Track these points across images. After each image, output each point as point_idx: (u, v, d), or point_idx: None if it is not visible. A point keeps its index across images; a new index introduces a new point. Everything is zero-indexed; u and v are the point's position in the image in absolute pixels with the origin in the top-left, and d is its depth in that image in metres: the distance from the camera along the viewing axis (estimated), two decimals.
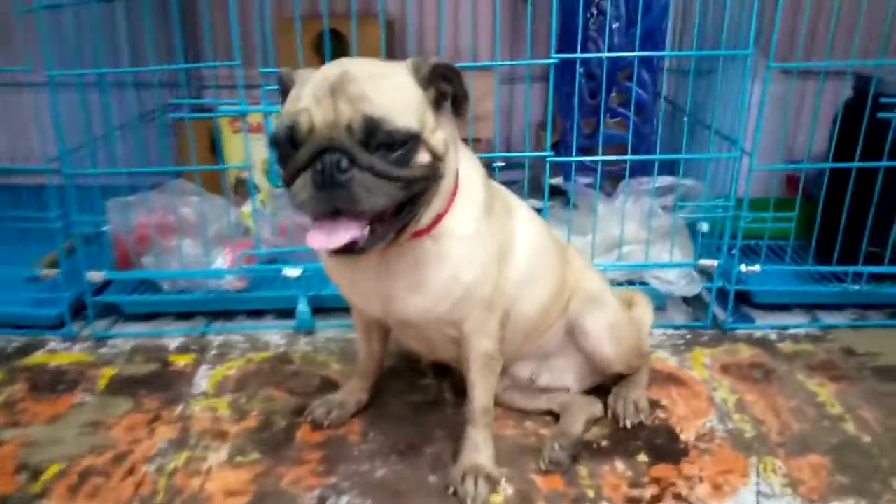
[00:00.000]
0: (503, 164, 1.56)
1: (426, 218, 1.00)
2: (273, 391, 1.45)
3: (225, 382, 1.48)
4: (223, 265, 1.62)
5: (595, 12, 1.57)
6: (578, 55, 1.42)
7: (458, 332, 1.13)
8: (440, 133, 0.96)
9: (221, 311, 1.73)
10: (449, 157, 0.98)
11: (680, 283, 1.59)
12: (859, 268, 1.59)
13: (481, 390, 1.18)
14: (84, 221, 1.57)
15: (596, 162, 1.57)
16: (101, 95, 1.54)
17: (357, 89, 0.89)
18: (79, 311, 1.67)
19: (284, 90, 0.99)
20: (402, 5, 2.20)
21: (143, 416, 1.37)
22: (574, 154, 1.53)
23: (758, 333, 1.63)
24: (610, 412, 1.33)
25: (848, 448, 1.25)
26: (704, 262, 1.57)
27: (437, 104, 0.97)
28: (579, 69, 1.51)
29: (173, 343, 1.63)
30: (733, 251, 1.58)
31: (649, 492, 1.16)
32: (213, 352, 1.59)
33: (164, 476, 1.21)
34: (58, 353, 1.59)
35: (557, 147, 1.90)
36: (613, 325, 1.29)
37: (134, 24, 1.65)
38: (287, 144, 0.91)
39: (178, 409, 1.39)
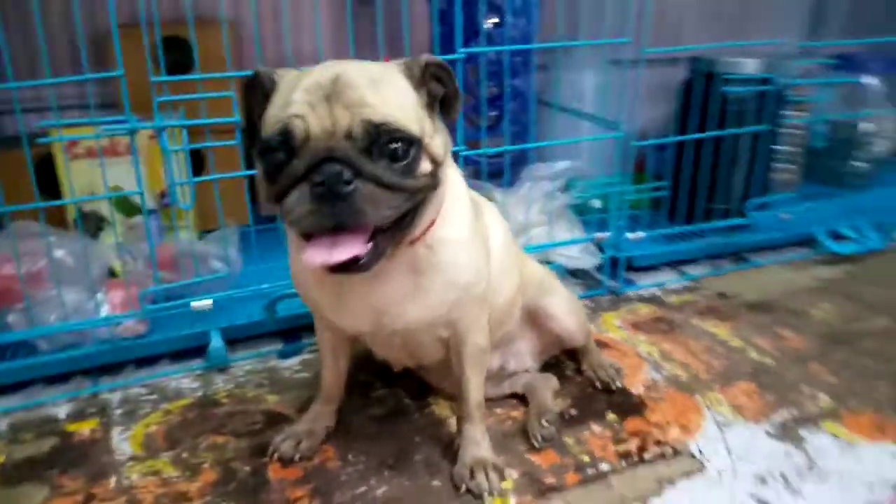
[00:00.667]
0: None
1: (423, 225, 0.97)
2: (215, 438, 1.29)
3: (152, 440, 1.28)
4: (109, 311, 1.40)
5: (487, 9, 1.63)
6: (483, 49, 1.46)
7: (452, 332, 1.12)
8: (438, 137, 0.93)
9: (104, 366, 1.49)
10: (447, 161, 0.96)
11: (584, 256, 1.72)
12: (717, 223, 1.86)
13: (475, 385, 1.17)
14: None
15: (482, 155, 1.63)
16: None
17: (355, 94, 0.83)
18: None
19: (258, 93, 0.91)
20: (247, 8, 2.06)
21: (68, 499, 1.14)
22: (485, 149, 1.57)
23: (645, 293, 1.82)
24: (598, 384, 1.39)
25: (761, 372, 1.46)
26: (599, 234, 1.72)
27: (430, 106, 0.94)
28: (484, 64, 1.55)
29: (61, 411, 1.37)
30: (620, 223, 1.75)
31: (633, 444, 1.25)
32: (118, 411, 1.37)
33: None
34: None
35: None
36: (569, 304, 1.37)
37: None
38: (280, 153, 0.83)
39: (112, 481, 1.18)
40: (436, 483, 1.17)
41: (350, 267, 0.85)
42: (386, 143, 0.84)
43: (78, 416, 1.36)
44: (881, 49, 2.06)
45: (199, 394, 1.42)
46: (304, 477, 1.18)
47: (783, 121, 1.87)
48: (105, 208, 1.70)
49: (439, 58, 0.94)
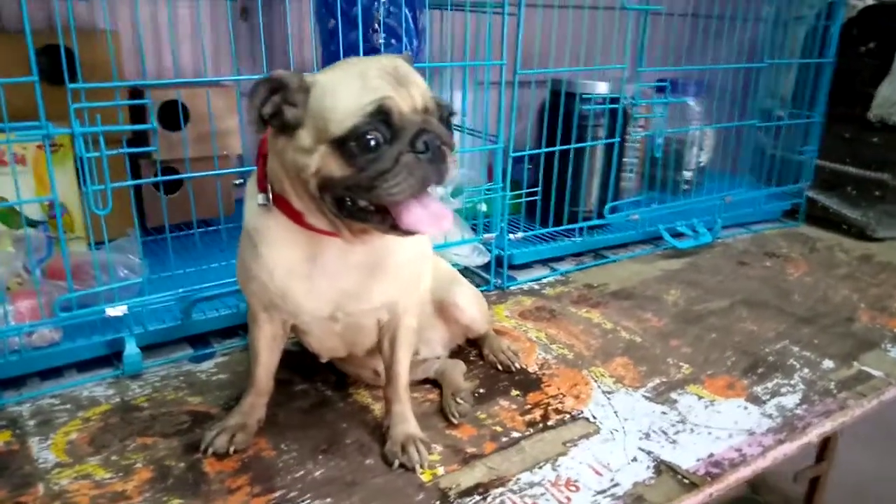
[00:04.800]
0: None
1: None
2: (143, 440, 1.30)
3: (75, 447, 1.27)
4: (16, 321, 1.36)
5: (377, 28, 1.74)
6: None
7: (392, 314, 1.23)
8: None
9: (4, 380, 1.43)
10: None
11: (473, 255, 1.89)
12: (580, 224, 2.11)
13: (405, 367, 1.29)
14: None
15: None
16: None
17: (416, 78, 1.01)
18: None
19: (277, 95, 1.00)
20: (127, 19, 2.03)
21: None
22: None
23: (525, 287, 2.02)
24: (500, 366, 1.56)
25: (632, 348, 1.70)
26: (487, 235, 1.90)
27: None
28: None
29: None
30: (502, 225, 1.94)
31: (537, 414, 1.42)
32: (31, 422, 1.33)
33: None
34: None
35: None
36: (474, 296, 1.53)
37: None
38: (379, 132, 0.95)
39: (40, 488, 1.16)
40: (369, 461, 1.27)
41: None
42: (447, 115, 1.02)
43: None
44: (691, 75, 2.45)
45: (117, 400, 1.42)
46: (242, 467, 1.24)
47: (630, 136, 2.18)
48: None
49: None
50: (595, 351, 1.68)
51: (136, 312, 1.47)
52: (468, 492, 1.20)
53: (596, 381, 1.55)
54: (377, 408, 1.41)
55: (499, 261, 1.97)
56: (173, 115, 1.75)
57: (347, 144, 0.96)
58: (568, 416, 1.42)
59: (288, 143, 1.03)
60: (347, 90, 0.99)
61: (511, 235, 1.96)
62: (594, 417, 1.42)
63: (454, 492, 1.19)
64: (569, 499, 1.19)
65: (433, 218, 1.00)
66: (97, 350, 1.48)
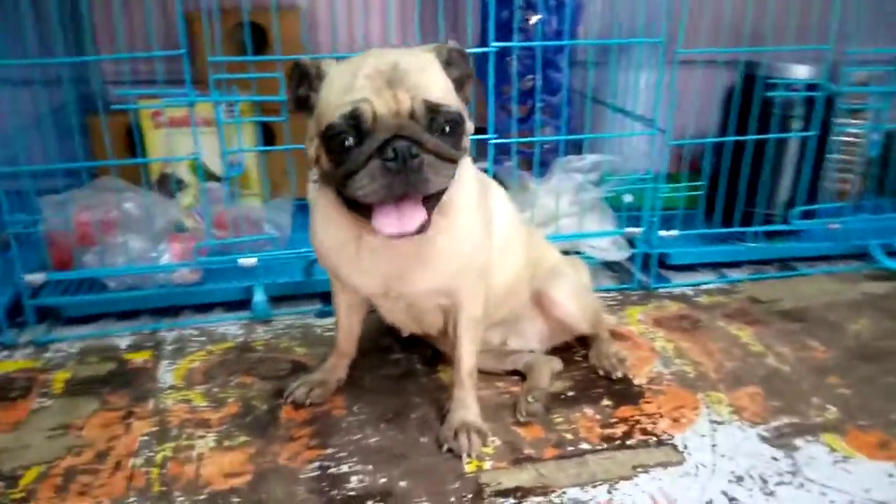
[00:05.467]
0: None
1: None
2: (245, 378, 1.45)
3: (192, 375, 1.46)
4: (170, 260, 1.59)
5: (524, 5, 1.69)
6: (515, 44, 1.54)
7: (452, 300, 1.21)
8: (464, 113, 1.04)
9: (168, 308, 1.69)
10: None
11: (611, 249, 1.76)
12: (755, 228, 1.84)
13: (469, 353, 1.26)
14: (16, 221, 1.49)
15: (529, 145, 1.70)
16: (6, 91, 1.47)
17: (413, 79, 0.96)
18: (12, 316, 1.57)
19: (305, 81, 1.03)
20: None
21: (113, 413, 1.33)
22: (516, 139, 1.64)
23: (676, 291, 1.83)
24: (601, 371, 1.45)
25: (774, 378, 1.46)
26: (630, 229, 1.75)
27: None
28: (501, 58, 1.61)
29: (123, 342, 1.58)
30: (653, 219, 1.77)
31: (620, 430, 1.29)
32: (170, 347, 1.56)
33: (154, 467, 1.19)
34: None
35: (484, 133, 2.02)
36: (575, 292, 1.43)
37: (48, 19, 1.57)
38: (350, 133, 0.95)
39: (150, 403, 1.36)
40: (423, 440, 1.27)
41: (419, 231, 0.98)
42: (442, 121, 0.96)
43: (136, 347, 1.56)
44: None
45: (241, 340, 1.59)
46: (310, 420, 1.32)
47: (838, 129, 1.81)
48: (184, 172, 1.92)
49: (457, 45, 1.06)
50: (724, 374, 1.47)
51: (267, 265, 1.63)
52: (505, 493, 1.14)
53: (708, 407, 1.36)
54: None
55: (647, 258, 1.81)
56: None
57: (326, 140, 0.97)
58: (654, 439, 1.27)
59: (308, 127, 1.06)
60: (338, 86, 0.98)
61: (663, 232, 1.77)
62: (684, 447, 1.25)
63: (491, 489, 1.15)
64: None
65: (399, 223, 0.96)
66: (234, 294, 1.67)
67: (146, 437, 1.27)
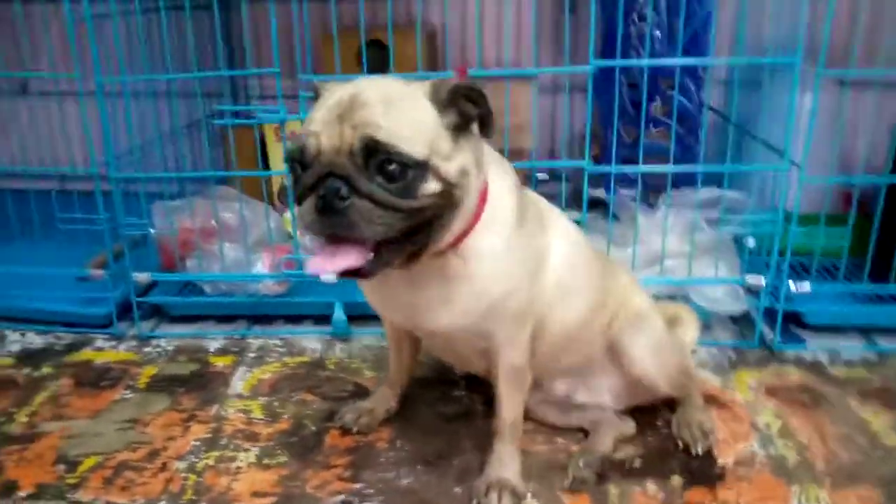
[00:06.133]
0: (546, 177, 1.54)
1: (447, 238, 0.98)
2: (306, 395, 1.46)
3: (260, 385, 1.49)
4: (262, 269, 1.65)
5: (636, 20, 1.54)
6: (617, 62, 1.39)
7: (487, 344, 1.11)
8: (458, 159, 0.93)
9: (262, 316, 1.75)
10: (468, 182, 0.95)
11: (725, 300, 1.54)
12: None
13: (509, 404, 1.16)
14: (131, 224, 1.62)
15: (637, 173, 1.54)
16: (148, 103, 1.59)
17: (364, 114, 0.88)
18: (125, 311, 1.72)
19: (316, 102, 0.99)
20: (442, 16, 2.20)
21: (178, 414, 1.40)
22: (614, 164, 1.48)
23: (808, 356, 1.55)
24: (680, 443, 1.27)
25: None
26: (751, 278, 1.51)
27: (460, 127, 0.94)
28: (618, 77, 1.48)
29: (214, 345, 1.66)
30: (782, 268, 1.52)
31: None
32: (252, 354, 1.61)
33: (193, 474, 1.23)
34: (104, 351, 1.63)
35: (599, 159, 1.87)
36: (657, 347, 1.26)
37: (179, 35, 1.70)
38: (297, 166, 0.92)
39: (213, 409, 1.41)
40: (457, 490, 1.18)
41: (353, 273, 0.92)
42: (383, 162, 0.87)
43: (223, 351, 1.63)
44: None
45: (317, 355, 1.61)
46: (352, 449, 1.29)
47: None
48: None
49: (470, 82, 0.94)
50: (836, 467, 1.21)
51: (348, 282, 1.62)
52: None
53: None
54: None
55: (775, 313, 1.55)
56: None
57: (288, 165, 0.94)
58: None
59: None
60: (309, 114, 0.94)
61: (793, 285, 1.51)
62: None
63: None
64: None
65: (325, 263, 0.89)
66: (321, 309, 1.68)
67: (197, 443, 1.31)
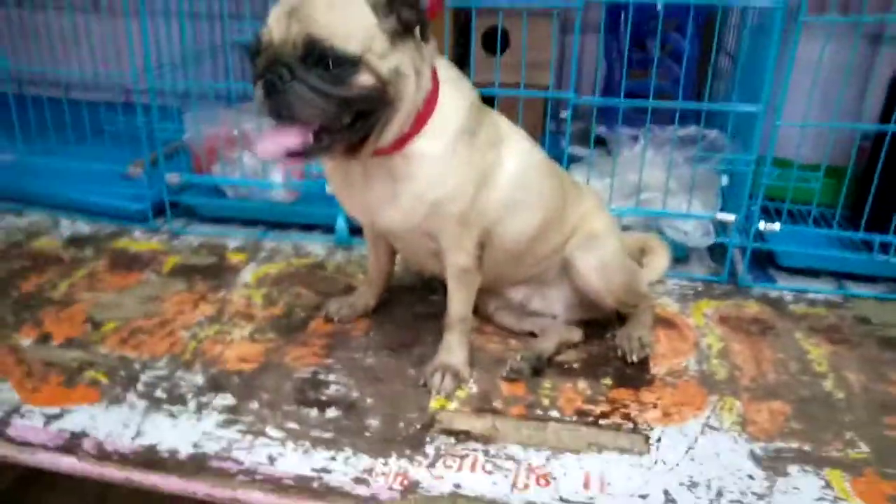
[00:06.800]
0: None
1: (388, 137, 1.11)
2: (302, 289, 1.64)
3: (265, 278, 1.69)
4: (278, 179, 1.83)
5: None
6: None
7: (437, 246, 1.25)
8: (391, 60, 1.05)
9: (277, 223, 1.95)
10: (403, 83, 1.08)
11: (695, 234, 1.62)
12: (889, 237, 1.55)
13: (457, 300, 1.30)
14: (165, 129, 1.83)
15: (635, 109, 1.61)
16: (185, 23, 1.78)
17: (307, 12, 1.01)
18: (161, 209, 1.94)
19: None
20: None
21: (191, 295, 1.61)
22: (597, 98, 1.57)
23: (773, 294, 1.63)
24: (619, 351, 1.39)
25: (816, 401, 1.27)
26: (721, 215, 1.59)
27: (400, 33, 1.06)
28: (622, 16, 1.53)
29: (233, 243, 1.86)
30: (753, 208, 1.59)
31: (600, 409, 1.25)
32: (264, 254, 1.81)
33: (194, 341, 1.43)
34: (139, 241, 1.87)
35: (604, 95, 1.94)
36: (604, 265, 1.36)
37: None
38: (253, 55, 1.06)
39: (221, 293, 1.62)
40: (410, 371, 1.35)
41: (297, 155, 1.07)
42: (320, 54, 1.01)
43: (239, 249, 1.83)
44: None
45: (319, 259, 1.79)
46: (331, 333, 1.47)
47: None
48: None
49: None
50: (759, 385, 1.31)
51: None
52: (450, 432, 1.19)
53: (713, 412, 1.24)
54: (474, 337, 1.43)
55: (743, 251, 1.63)
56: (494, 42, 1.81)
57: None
58: (630, 425, 1.21)
59: None
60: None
61: (764, 224, 1.58)
62: (657, 441, 1.17)
63: (440, 427, 1.20)
64: (526, 486, 1.07)
65: (266, 145, 1.03)
66: (325, 219, 1.86)
67: (202, 318, 1.52)
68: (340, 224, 1.79)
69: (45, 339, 1.43)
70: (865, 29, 1.53)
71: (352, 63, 1.02)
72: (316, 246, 1.86)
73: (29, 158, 2.02)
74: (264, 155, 1.07)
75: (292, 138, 1.05)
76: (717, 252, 1.76)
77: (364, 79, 1.04)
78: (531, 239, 1.33)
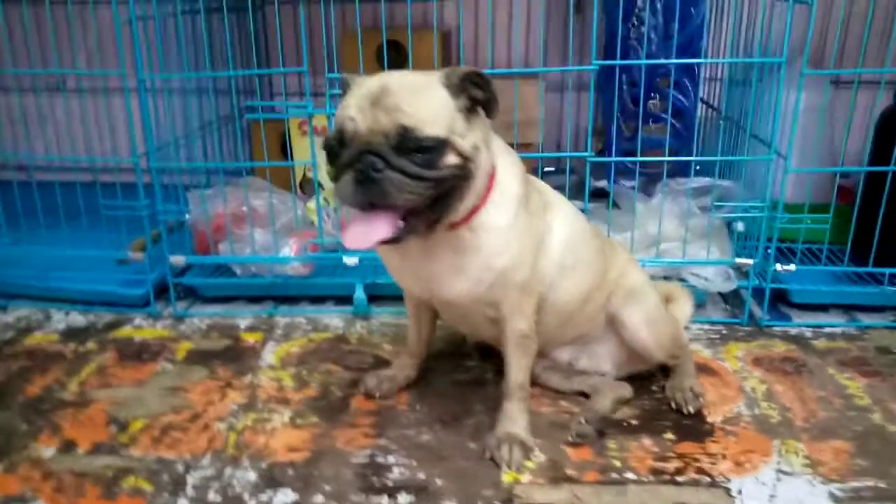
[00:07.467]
0: (552, 168, 1.66)
1: (461, 211, 1.12)
2: (331, 366, 1.59)
3: (289, 358, 1.63)
4: (289, 253, 1.78)
5: (636, 22, 1.67)
6: (617, 62, 1.52)
7: (497, 313, 1.25)
8: (470, 137, 1.08)
9: (287, 297, 1.89)
10: (479, 158, 1.10)
11: (716, 279, 1.67)
12: (890, 269, 1.64)
13: (516, 367, 1.29)
14: (169, 210, 1.76)
15: (636, 163, 1.67)
16: (186, 99, 1.73)
17: (393, 101, 1.02)
18: (161, 292, 1.85)
19: (345, 93, 1.13)
20: (457, 17, 2.34)
21: (216, 383, 1.53)
22: (614, 156, 1.62)
23: (793, 331, 1.69)
24: (673, 403, 1.40)
25: (872, 436, 1.31)
26: (740, 260, 1.65)
27: (469, 109, 1.09)
28: (618, 76, 1.60)
29: (244, 323, 1.79)
30: (769, 251, 1.65)
31: (673, 465, 1.24)
32: (279, 331, 1.75)
33: (234, 433, 1.36)
34: (142, 329, 1.77)
35: (602, 152, 2.00)
36: (651, 318, 1.39)
37: (215, 35, 1.83)
38: (336, 145, 1.05)
39: (248, 378, 1.54)
40: (471, 445, 1.31)
41: (385, 241, 1.05)
42: (412, 142, 1.02)
43: (252, 329, 1.76)
44: None
45: (340, 332, 1.74)
46: (375, 411, 1.42)
47: None
48: (321, 174, 2.12)
49: (477, 69, 1.09)
50: (813, 424, 1.34)
51: (370, 265, 1.76)
52: None
53: (781, 456, 1.26)
54: None
55: (762, 293, 1.68)
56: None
57: (325, 151, 1.08)
58: (707, 479, 1.20)
59: None
60: (343, 103, 1.08)
61: (780, 266, 1.64)
62: (738, 492, 1.17)
63: (521, 501, 1.17)
64: None
65: (360, 234, 1.03)
66: (343, 290, 1.81)
67: (235, 407, 1.44)
68: (360, 294, 1.76)
69: (68, 447, 1.32)
70: (840, 77, 1.62)
71: (440, 146, 1.04)
72: (333, 318, 1.80)
73: (13, 248, 1.89)
74: (355, 244, 1.04)
75: (384, 224, 1.04)
76: (729, 295, 1.81)
77: (450, 159, 1.05)
78: (581, 300, 1.34)
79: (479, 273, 1.17)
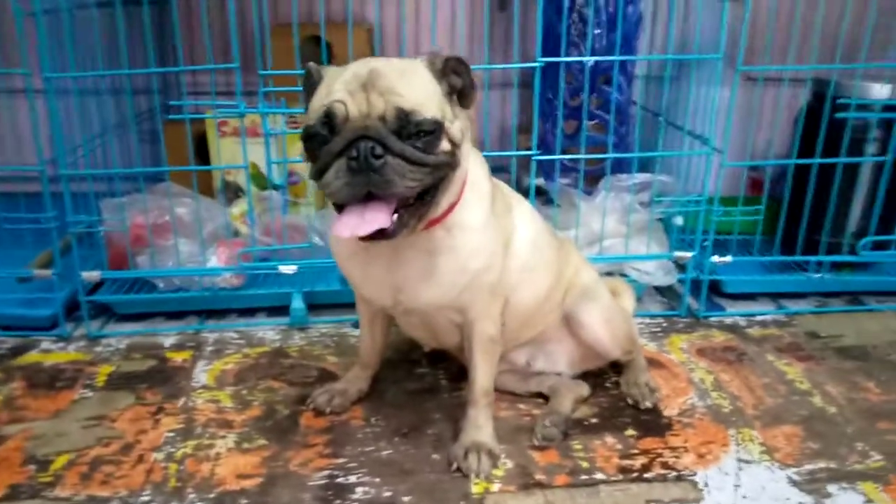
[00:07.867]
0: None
1: (443, 206, 1.06)
2: (273, 383, 1.49)
3: (224, 376, 1.51)
4: (217, 263, 1.66)
5: (577, 19, 1.67)
6: (563, 59, 1.51)
7: (463, 318, 1.20)
8: (457, 123, 1.03)
9: (214, 310, 1.76)
10: (464, 145, 1.05)
11: (657, 273, 1.69)
12: (820, 257, 1.72)
13: (483, 372, 1.24)
14: (79, 221, 1.59)
15: (577, 161, 1.67)
16: (96, 100, 1.57)
17: (386, 84, 0.96)
18: (70, 311, 1.68)
19: (310, 85, 1.04)
20: (384, 13, 2.27)
21: (145, 408, 1.39)
22: (559, 153, 1.61)
23: (728, 321, 1.74)
24: (629, 399, 1.40)
25: (816, 419, 1.36)
26: (679, 253, 1.68)
27: (449, 96, 1.04)
28: (563, 73, 1.60)
29: (168, 341, 1.65)
30: (706, 244, 1.69)
31: (639, 462, 1.24)
32: (210, 348, 1.62)
33: (174, 463, 1.24)
34: (52, 353, 1.59)
35: (539, 149, 1.99)
36: (607, 315, 1.38)
37: (132, 31, 1.68)
38: (323, 132, 0.97)
39: (181, 401, 1.42)
40: (435, 456, 1.26)
41: (377, 236, 0.98)
42: (413, 126, 0.96)
43: (178, 347, 1.63)
44: None
45: (277, 345, 1.64)
46: (328, 428, 1.34)
47: None
48: (242, 180, 1.99)
49: (458, 55, 1.04)
50: (763, 411, 1.38)
51: (307, 273, 1.67)
52: None
53: (739, 444, 1.28)
54: None
55: (698, 284, 1.72)
56: None
57: (306, 140, 0.99)
58: (674, 473, 1.21)
59: None
60: (322, 90, 1.00)
61: (717, 258, 1.69)
62: (706, 485, 1.18)
63: None
64: None
65: (355, 224, 0.95)
66: (277, 300, 1.71)
67: (171, 434, 1.32)
68: (298, 304, 1.66)
69: None
70: (766, 74, 1.68)
71: (438, 129, 0.98)
72: (267, 331, 1.69)
73: None
74: (348, 232, 0.96)
75: (380, 219, 0.96)
76: (664, 288, 1.85)
77: (444, 145, 0.99)
78: (542, 300, 1.32)
79: (452, 276, 1.12)
